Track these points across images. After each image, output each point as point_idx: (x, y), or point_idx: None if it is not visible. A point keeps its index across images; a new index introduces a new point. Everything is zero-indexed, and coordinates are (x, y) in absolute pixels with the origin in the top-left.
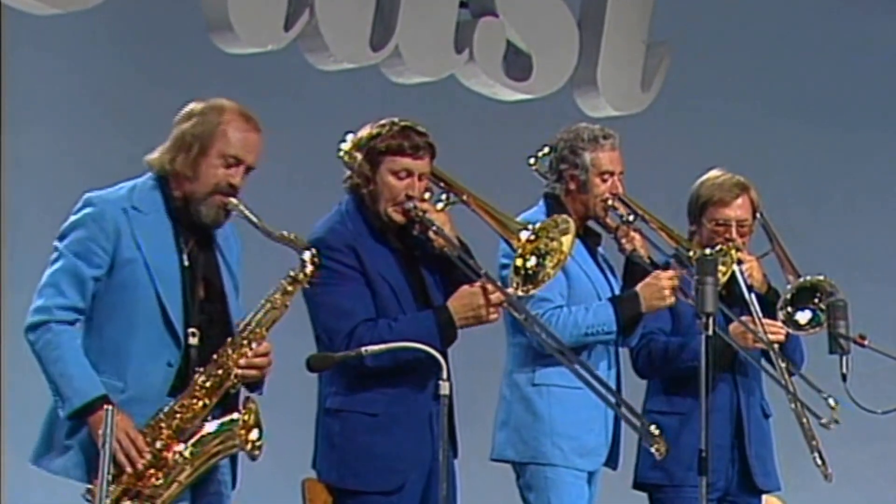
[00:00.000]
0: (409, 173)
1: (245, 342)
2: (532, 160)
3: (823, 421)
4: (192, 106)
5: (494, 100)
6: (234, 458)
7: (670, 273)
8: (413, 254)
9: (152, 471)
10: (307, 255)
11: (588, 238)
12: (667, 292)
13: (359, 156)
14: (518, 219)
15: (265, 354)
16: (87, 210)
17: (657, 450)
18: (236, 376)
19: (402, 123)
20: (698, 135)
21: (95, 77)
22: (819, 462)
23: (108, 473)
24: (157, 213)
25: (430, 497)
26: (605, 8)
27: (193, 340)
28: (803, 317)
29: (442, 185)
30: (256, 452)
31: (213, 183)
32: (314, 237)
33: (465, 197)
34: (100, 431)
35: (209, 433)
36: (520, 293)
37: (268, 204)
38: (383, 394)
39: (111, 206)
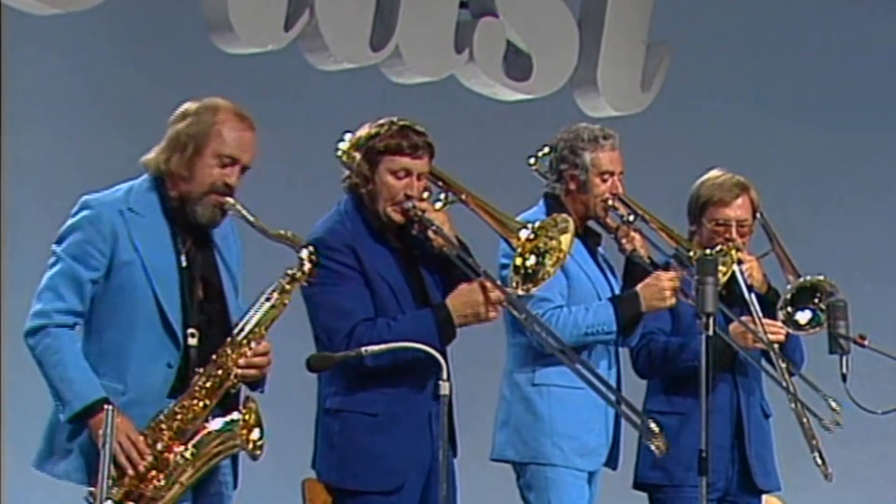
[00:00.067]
0: (408, 173)
1: (244, 342)
2: (532, 160)
3: (825, 423)
4: (186, 106)
5: (494, 100)
6: (235, 459)
7: (671, 274)
8: (412, 253)
9: (154, 472)
10: (305, 254)
11: (588, 238)
12: (667, 293)
13: (357, 155)
14: (518, 218)
15: (265, 354)
16: (84, 213)
17: (657, 447)
18: (236, 376)
19: (401, 123)
20: (698, 135)
21: (95, 77)
22: (819, 462)
23: (109, 473)
24: (153, 214)
25: (430, 497)
26: (605, 8)
27: (193, 341)
28: (803, 317)
29: (441, 184)
30: (258, 452)
31: (209, 183)
32: (313, 237)
33: (463, 196)
34: (100, 433)
35: (210, 433)
36: (520, 292)
37: (267, 204)
38: (383, 394)
39: (108, 208)
